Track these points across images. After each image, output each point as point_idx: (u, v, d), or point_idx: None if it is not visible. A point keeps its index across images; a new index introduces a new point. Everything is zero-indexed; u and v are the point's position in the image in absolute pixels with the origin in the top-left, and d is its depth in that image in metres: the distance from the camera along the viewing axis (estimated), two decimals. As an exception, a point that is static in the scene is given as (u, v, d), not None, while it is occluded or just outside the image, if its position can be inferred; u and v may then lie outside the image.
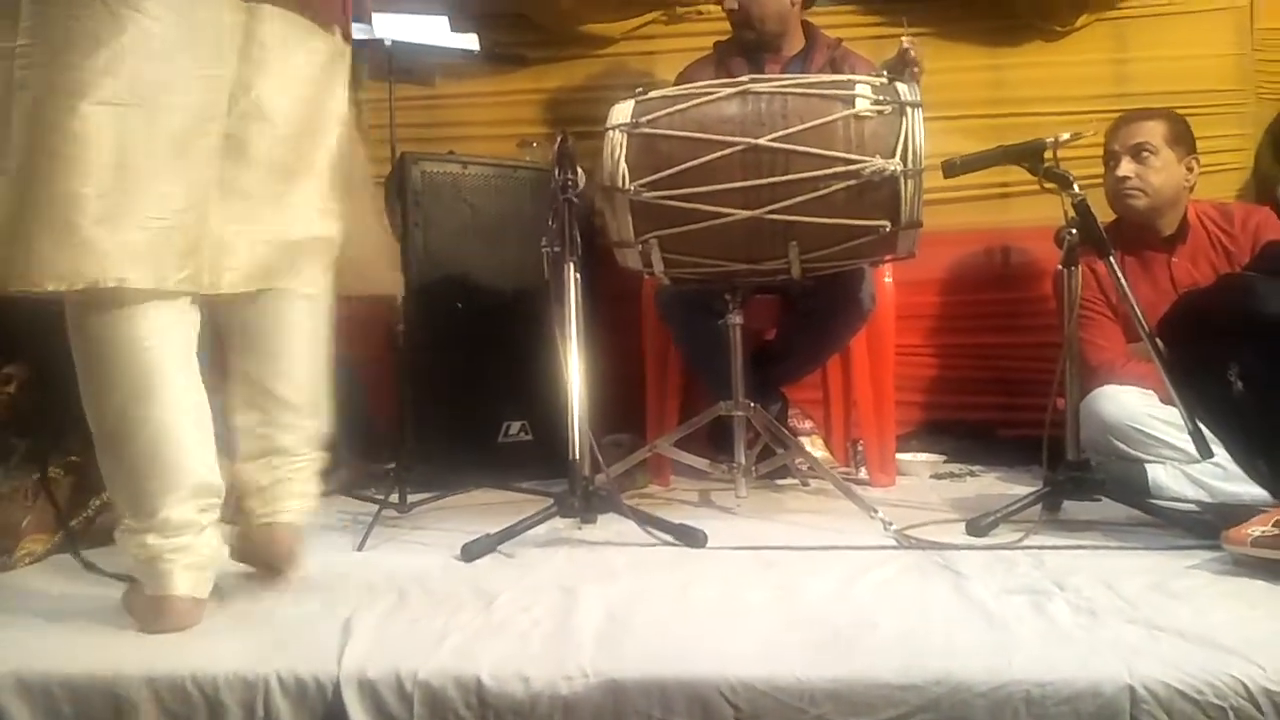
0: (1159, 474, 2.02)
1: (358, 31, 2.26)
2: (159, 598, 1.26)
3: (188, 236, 1.23)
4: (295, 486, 1.46)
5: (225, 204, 1.28)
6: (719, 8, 2.87)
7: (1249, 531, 1.39)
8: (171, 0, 1.20)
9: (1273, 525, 1.39)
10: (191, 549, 1.28)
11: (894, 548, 1.65)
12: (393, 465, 2.20)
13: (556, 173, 1.82)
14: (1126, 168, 2.23)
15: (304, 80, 1.37)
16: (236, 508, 1.44)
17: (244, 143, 1.30)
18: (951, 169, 1.88)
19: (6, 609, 1.39)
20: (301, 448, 1.47)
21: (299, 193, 1.39)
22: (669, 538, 1.69)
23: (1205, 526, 1.61)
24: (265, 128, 1.32)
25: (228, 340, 1.46)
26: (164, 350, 1.26)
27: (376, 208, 1.59)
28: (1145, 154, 2.22)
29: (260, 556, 1.46)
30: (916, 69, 2.12)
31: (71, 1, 1.15)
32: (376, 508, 1.92)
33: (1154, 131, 2.23)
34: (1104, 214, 2.21)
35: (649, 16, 2.91)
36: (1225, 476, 1.91)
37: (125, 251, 1.17)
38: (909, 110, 1.75)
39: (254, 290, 1.39)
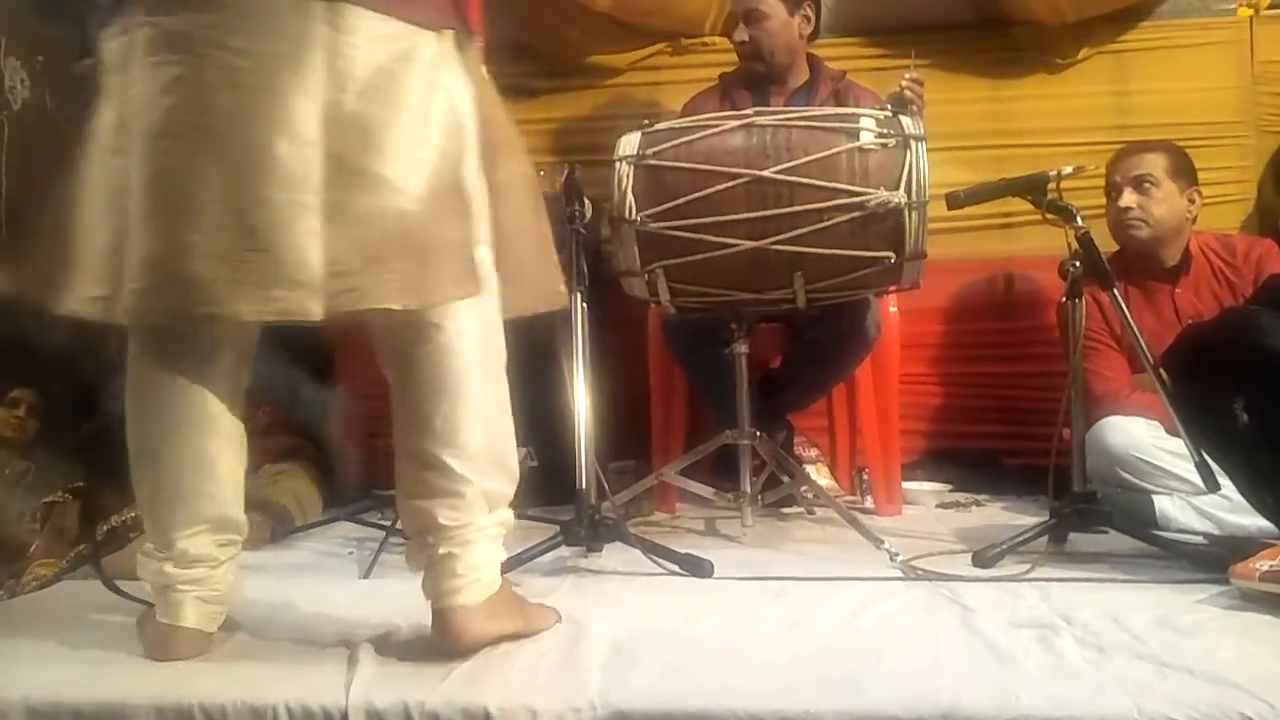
0: (1166, 505, 2.02)
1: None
2: (167, 626, 1.27)
3: (286, 263, 1.14)
4: (459, 565, 1.25)
5: (336, 225, 1.16)
6: (724, 40, 2.93)
7: (1256, 566, 1.39)
8: (257, 27, 1.15)
9: (1280, 559, 1.39)
10: (205, 582, 1.28)
11: (900, 579, 1.65)
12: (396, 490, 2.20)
13: (564, 204, 1.84)
14: (1129, 199, 2.24)
15: (401, 88, 1.21)
16: None
17: (348, 160, 1.18)
18: (955, 201, 1.89)
19: (15, 634, 1.39)
20: (464, 518, 1.25)
21: (415, 204, 1.20)
22: (675, 567, 1.69)
23: (1212, 559, 1.61)
24: (371, 141, 1.19)
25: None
26: (204, 381, 1.28)
27: (533, 209, 1.38)
28: (1147, 185, 2.24)
29: (436, 641, 1.28)
30: (916, 106, 2.15)
31: (159, 48, 1.16)
32: (382, 534, 1.92)
33: (1155, 163, 2.25)
34: (1107, 244, 2.24)
35: (655, 48, 2.94)
36: (1232, 508, 1.90)
37: (229, 283, 1.13)
38: (913, 143, 1.77)
39: (386, 322, 1.24)
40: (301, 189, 1.13)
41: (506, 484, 1.31)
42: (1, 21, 2.80)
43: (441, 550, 1.24)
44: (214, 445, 1.29)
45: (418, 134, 1.21)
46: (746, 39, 2.41)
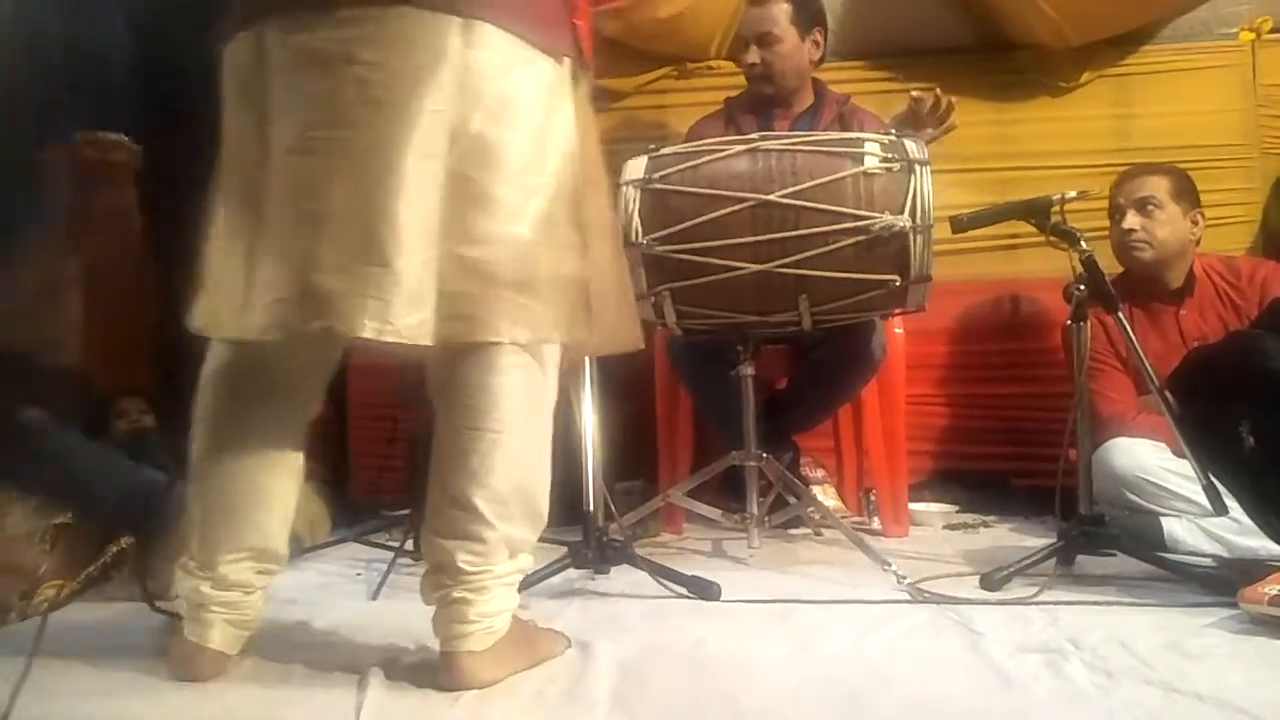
0: (1174, 527, 2.01)
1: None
2: (194, 645, 1.27)
3: (405, 283, 1.11)
4: (471, 611, 1.22)
5: (455, 245, 1.15)
6: (729, 64, 2.96)
7: (1265, 590, 1.39)
8: (386, 39, 1.13)
9: (1289, 583, 1.39)
10: (237, 606, 1.29)
11: (908, 601, 1.65)
12: (407, 511, 2.21)
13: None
14: (1132, 220, 2.26)
15: (525, 111, 1.20)
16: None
17: (469, 180, 1.16)
18: (960, 225, 1.90)
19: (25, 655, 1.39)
20: (483, 564, 1.22)
21: (531, 232, 1.20)
22: (683, 590, 1.69)
23: (1221, 583, 1.61)
24: (491, 161, 1.17)
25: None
26: (279, 411, 1.30)
27: (614, 249, 1.39)
28: (1150, 207, 2.25)
29: (440, 681, 1.24)
30: (939, 123, 2.15)
31: (301, 63, 1.15)
32: (391, 555, 1.93)
33: (1159, 186, 2.26)
34: (1111, 266, 2.25)
35: (661, 71, 2.97)
36: (1241, 531, 1.90)
37: (353, 297, 1.10)
38: (917, 168, 1.78)
39: (445, 350, 1.19)
40: (424, 206, 1.12)
41: (532, 531, 1.28)
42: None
43: (456, 594, 1.22)
44: (274, 478, 1.30)
45: (536, 159, 1.20)
46: (758, 61, 2.43)
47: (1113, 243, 2.31)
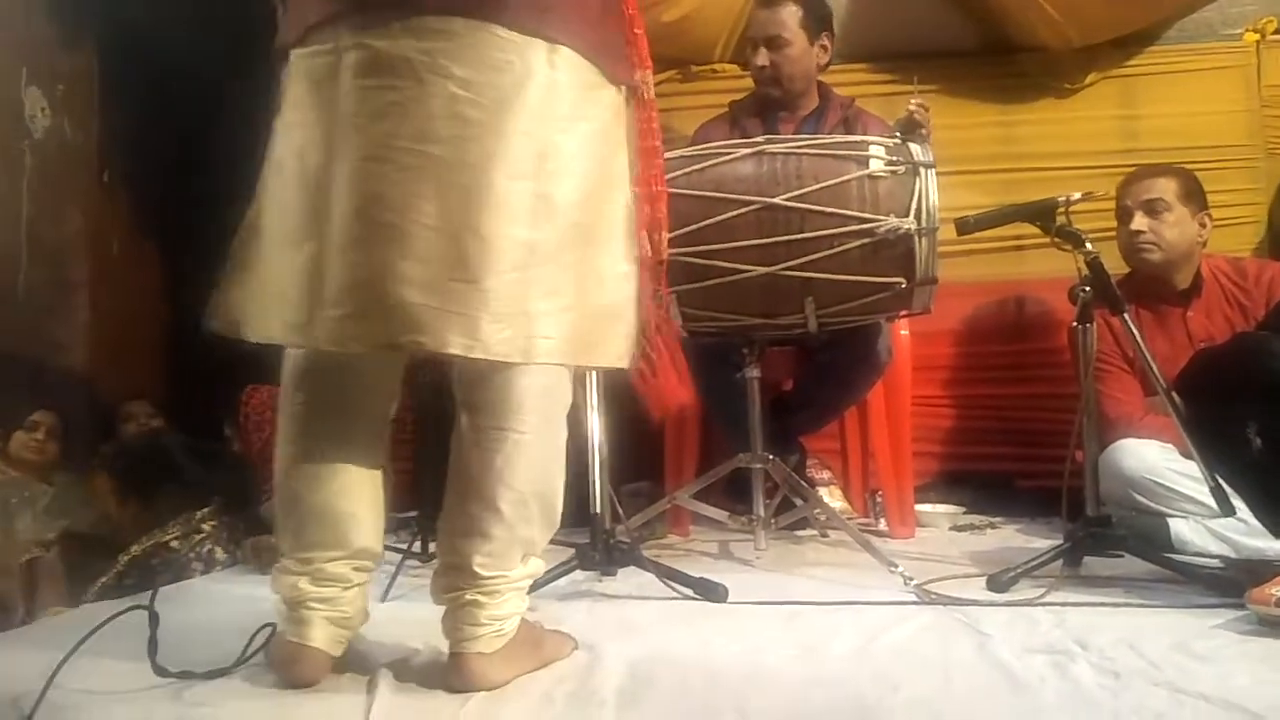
0: (1181, 528, 2.01)
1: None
2: (295, 645, 1.27)
3: (492, 298, 1.11)
4: (483, 614, 1.22)
5: (537, 266, 1.14)
6: (733, 67, 2.97)
7: (1273, 591, 1.38)
8: (480, 59, 1.12)
9: (1297, 584, 1.39)
10: (335, 603, 1.28)
11: (915, 603, 1.65)
12: (415, 513, 2.22)
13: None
14: (1140, 222, 2.26)
15: (596, 137, 1.22)
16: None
17: (552, 202, 1.16)
18: (965, 227, 1.91)
19: (32, 655, 1.39)
20: (498, 567, 1.23)
21: (598, 256, 1.21)
22: (690, 592, 1.69)
23: (1229, 584, 1.61)
24: (570, 184, 1.18)
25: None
26: (360, 416, 1.30)
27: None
28: (1158, 209, 2.25)
29: (449, 682, 1.25)
30: (924, 130, 2.15)
31: (380, 70, 1.12)
32: (399, 557, 1.94)
33: (1166, 188, 2.26)
34: (1117, 267, 2.24)
35: (665, 75, 2.97)
36: (1249, 531, 1.90)
37: (438, 312, 1.09)
38: (922, 170, 1.79)
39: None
40: (513, 225, 1.12)
41: (547, 534, 1.30)
42: (22, 52, 2.86)
43: (469, 596, 1.22)
44: (361, 477, 1.31)
45: (604, 184, 1.22)
46: (767, 64, 2.43)
47: (1120, 244, 2.31)
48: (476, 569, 1.22)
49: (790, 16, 2.41)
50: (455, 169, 1.11)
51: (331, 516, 1.28)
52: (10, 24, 2.81)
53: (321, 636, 1.27)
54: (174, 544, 1.98)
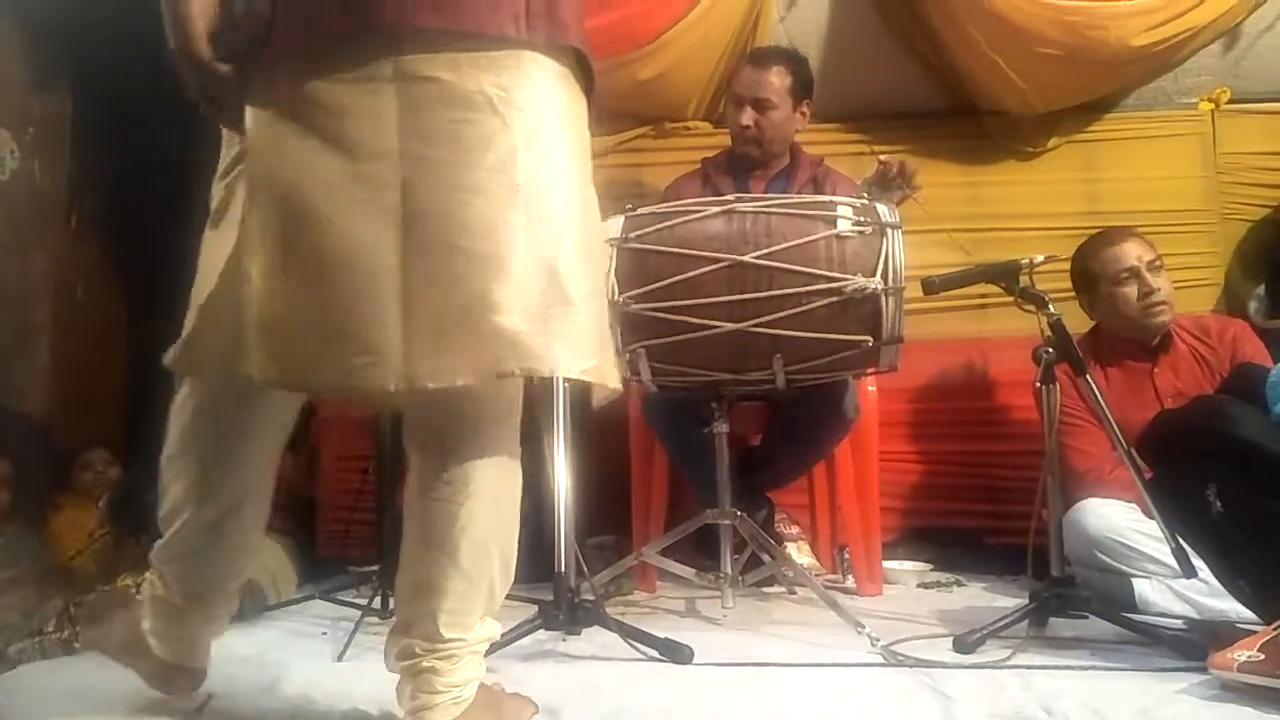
0: (1144, 589, 2.02)
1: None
2: (171, 664, 1.33)
3: (587, 323, 1.16)
4: (439, 682, 1.19)
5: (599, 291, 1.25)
6: (705, 124, 3.02)
7: (1234, 656, 1.39)
8: (531, 83, 1.13)
9: (1258, 649, 1.39)
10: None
11: (881, 664, 1.64)
12: (376, 567, 2.18)
13: (548, 285, 1.87)
14: (1156, 281, 2.25)
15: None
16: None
17: (590, 227, 1.21)
18: (931, 287, 1.93)
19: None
20: (459, 630, 1.20)
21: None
22: (655, 653, 1.67)
23: (1191, 646, 1.61)
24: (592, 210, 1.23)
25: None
26: (252, 444, 1.31)
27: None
28: (1159, 269, 2.27)
29: None
30: (899, 181, 2.16)
31: (456, 104, 1.10)
32: (358, 614, 1.89)
33: (1154, 248, 2.30)
34: (1079, 326, 2.28)
35: (638, 131, 3.02)
36: (1210, 592, 1.90)
37: (542, 341, 1.11)
38: (889, 231, 1.81)
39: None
40: (583, 252, 1.18)
41: (505, 586, 1.27)
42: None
43: (426, 662, 1.19)
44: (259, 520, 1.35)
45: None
46: (751, 124, 2.46)
47: (1124, 307, 2.28)
48: (439, 627, 1.19)
49: (779, 80, 2.46)
50: (540, 195, 1.12)
51: (222, 571, 1.33)
52: (-18, 66, 2.80)
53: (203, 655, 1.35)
54: (124, 580, 1.91)
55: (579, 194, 1.18)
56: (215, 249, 1.21)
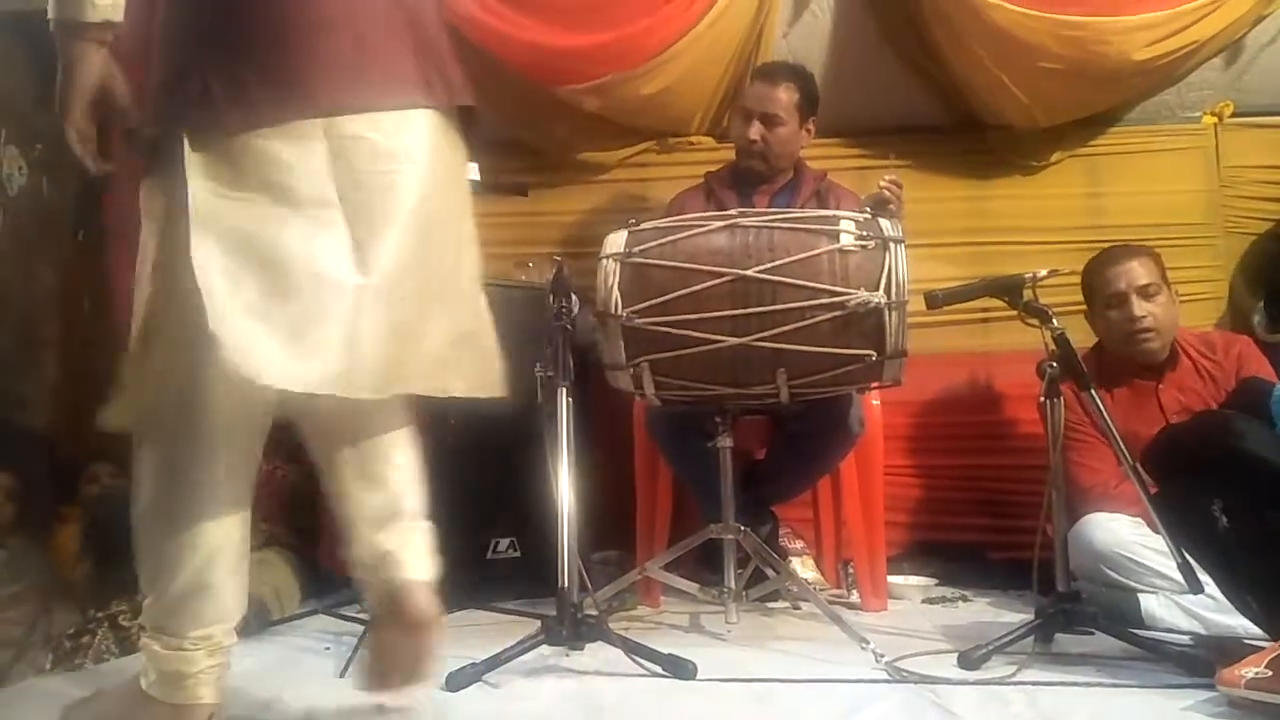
0: (1151, 604, 2.01)
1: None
2: (185, 708, 1.31)
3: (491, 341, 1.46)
4: (426, 543, 1.48)
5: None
6: (709, 139, 3.03)
7: (1241, 673, 1.38)
8: (445, 154, 1.36)
9: (1266, 665, 1.38)
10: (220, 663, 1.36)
11: (886, 681, 1.63)
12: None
13: (551, 300, 1.88)
14: (1142, 308, 2.23)
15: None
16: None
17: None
18: (934, 301, 1.93)
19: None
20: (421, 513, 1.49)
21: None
22: (659, 669, 1.66)
23: (1198, 662, 1.60)
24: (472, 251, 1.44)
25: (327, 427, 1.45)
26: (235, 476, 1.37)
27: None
28: (1151, 293, 2.25)
29: (398, 622, 1.42)
30: (893, 206, 2.19)
31: (381, 158, 1.29)
32: (361, 629, 1.88)
33: (1154, 270, 2.28)
34: (1084, 341, 2.28)
35: (642, 146, 3.03)
36: (1218, 608, 1.89)
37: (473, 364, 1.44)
38: (892, 245, 1.81)
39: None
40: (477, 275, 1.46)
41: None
42: (1, 111, 2.87)
43: (413, 531, 1.46)
44: (237, 535, 1.36)
45: None
46: (758, 139, 2.47)
47: (1112, 329, 2.29)
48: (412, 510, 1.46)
49: (788, 96, 2.47)
50: (464, 239, 1.40)
51: (214, 589, 1.34)
52: (-9, 83, 2.83)
53: (212, 694, 1.33)
54: (123, 620, 1.89)
55: (468, 231, 1.42)
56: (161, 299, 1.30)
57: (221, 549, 1.33)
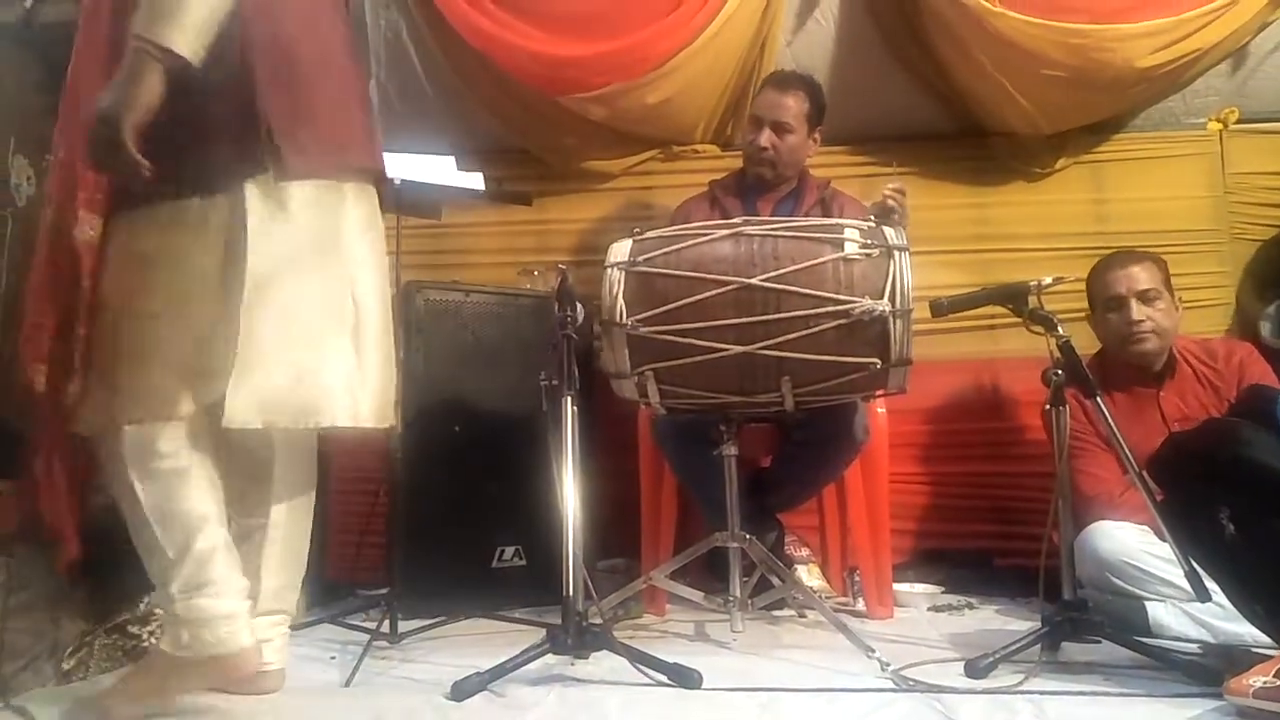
0: (1159, 612, 2.00)
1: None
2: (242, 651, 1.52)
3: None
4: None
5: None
6: (713, 147, 3.04)
7: (1250, 682, 1.37)
8: (306, 197, 1.56)
9: (1274, 675, 1.38)
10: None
11: (892, 690, 1.62)
12: (384, 591, 2.17)
13: (556, 309, 1.88)
14: (1140, 311, 2.24)
15: (379, 251, 1.72)
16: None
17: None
18: (939, 309, 1.93)
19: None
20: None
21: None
22: (663, 677, 1.66)
23: (1206, 671, 1.59)
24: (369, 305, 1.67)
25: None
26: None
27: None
28: (1151, 298, 2.26)
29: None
30: (897, 215, 2.20)
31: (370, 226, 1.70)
32: (366, 638, 1.89)
33: (1155, 276, 2.28)
34: (1088, 347, 2.27)
35: (647, 154, 3.04)
36: (1226, 616, 1.88)
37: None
38: (896, 253, 1.81)
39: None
40: None
41: None
42: (10, 121, 2.89)
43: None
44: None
45: None
46: (768, 146, 2.48)
47: (1111, 331, 2.29)
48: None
49: (798, 105, 2.49)
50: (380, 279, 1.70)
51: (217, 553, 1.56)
52: (-1, 92, 2.84)
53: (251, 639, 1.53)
54: (131, 628, 1.89)
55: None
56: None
57: (220, 517, 1.54)
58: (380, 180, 1.76)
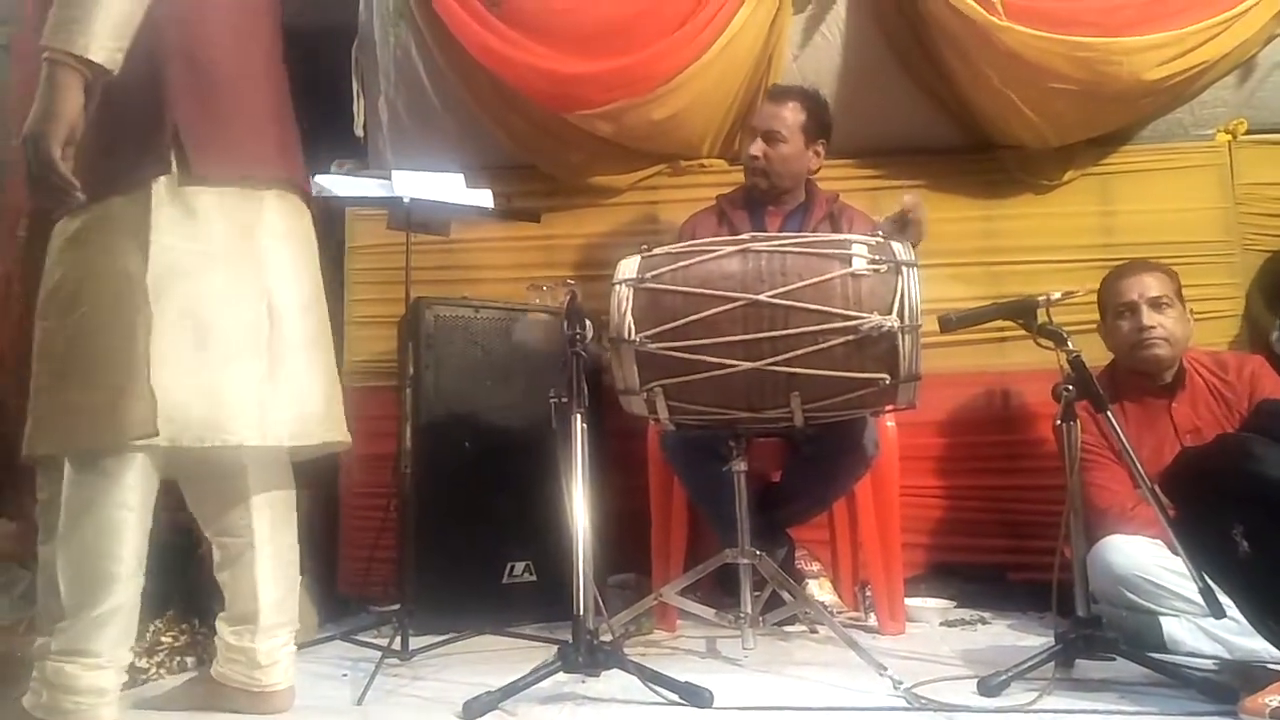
0: (1173, 627, 1.99)
1: (380, 188, 2.39)
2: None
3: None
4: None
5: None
6: (720, 162, 3.04)
7: (1266, 701, 1.36)
8: (216, 204, 1.54)
9: (1290, 693, 1.37)
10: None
11: (905, 708, 1.61)
12: (396, 607, 2.18)
13: (565, 326, 1.89)
14: (1152, 318, 2.24)
15: (304, 260, 1.69)
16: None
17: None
18: (948, 324, 1.93)
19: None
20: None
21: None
22: (675, 697, 1.65)
23: (1222, 688, 1.58)
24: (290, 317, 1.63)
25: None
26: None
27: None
28: (1163, 305, 2.26)
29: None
30: (913, 219, 2.18)
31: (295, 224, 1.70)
32: (379, 655, 1.89)
33: (1167, 284, 2.28)
34: (1099, 360, 2.26)
35: (654, 169, 3.04)
36: (1241, 631, 1.87)
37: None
38: (904, 269, 1.81)
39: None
40: None
41: None
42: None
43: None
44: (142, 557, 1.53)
45: None
46: (759, 155, 2.49)
47: (1121, 339, 2.29)
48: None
49: (792, 115, 2.49)
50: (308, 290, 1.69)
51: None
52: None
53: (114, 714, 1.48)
54: (139, 663, 1.88)
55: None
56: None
57: (136, 572, 1.47)
58: (305, 191, 1.73)
